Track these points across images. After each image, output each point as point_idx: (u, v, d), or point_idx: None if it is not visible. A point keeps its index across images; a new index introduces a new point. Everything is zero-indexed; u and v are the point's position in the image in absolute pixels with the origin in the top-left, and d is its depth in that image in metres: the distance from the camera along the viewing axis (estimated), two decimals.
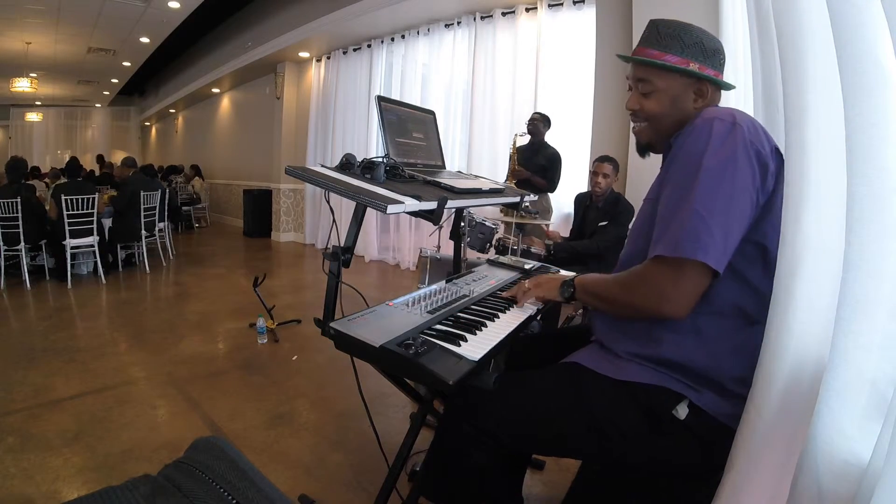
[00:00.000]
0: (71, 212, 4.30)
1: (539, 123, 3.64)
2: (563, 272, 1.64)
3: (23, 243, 4.23)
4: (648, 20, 1.03)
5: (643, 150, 1.09)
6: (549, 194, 3.81)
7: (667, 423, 0.88)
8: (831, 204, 0.69)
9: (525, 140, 3.73)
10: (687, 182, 0.84)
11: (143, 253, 5.19)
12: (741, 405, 0.81)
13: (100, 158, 9.04)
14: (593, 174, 2.93)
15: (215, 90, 9.61)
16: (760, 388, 0.76)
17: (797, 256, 0.72)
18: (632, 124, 1.08)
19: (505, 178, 3.60)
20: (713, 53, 0.97)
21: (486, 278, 1.46)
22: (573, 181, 3.96)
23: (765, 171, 0.85)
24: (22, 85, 8.57)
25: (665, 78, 0.98)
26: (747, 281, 0.87)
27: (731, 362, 0.86)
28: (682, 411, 0.87)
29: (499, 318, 1.11)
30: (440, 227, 2.10)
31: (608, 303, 0.99)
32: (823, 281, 0.70)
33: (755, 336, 0.82)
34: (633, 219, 1.15)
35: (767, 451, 0.74)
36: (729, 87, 1.01)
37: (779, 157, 0.88)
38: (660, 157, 1.05)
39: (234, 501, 0.42)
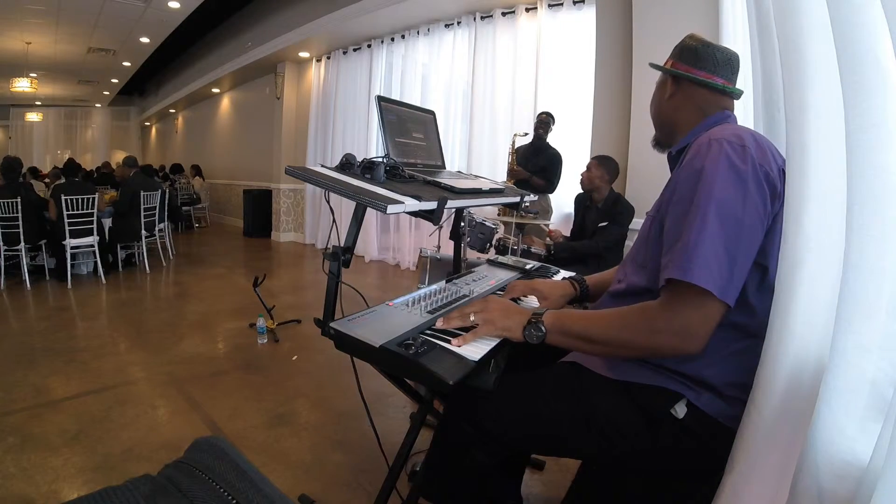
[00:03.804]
0: (71, 212, 4.30)
1: (549, 124, 3.68)
2: (563, 272, 1.64)
3: (23, 243, 4.24)
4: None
5: (655, 145, 1.17)
6: (549, 194, 3.82)
7: (665, 422, 0.88)
8: (832, 204, 0.69)
9: (525, 140, 3.74)
10: (697, 209, 0.81)
11: (143, 253, 5.19)
12: (740, 407, 0.81)
13: (106, 165, 9.03)
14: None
15: (215, 90, 9.61)
16: (761, 388, 0.76)
17: (798, 257, 0.72)
18: None
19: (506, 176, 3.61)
20: (699, 54, 1.02)
21: (486, 278, 1.46)
22: (573, 181, 3.97)
23: (773, 193, 0.83)
24: (22, 85, 8.58)
25: (659, 77, 1.12)
26: (744, 298, 0.84)
27: (724, 368, 0.86)
28: (680, 410, 0.87)
29: None
30: (440, 227, 2.09)
31: (605, 346, 0.87)
32: (824, 281, 0.70)
33: (748, 348, 0.82)
34: (637, 235, 1.10)
35: (768, 452, 0.74)
36: (712, 84, 1.01)
37: (784, 176, 0.85)
38: (658, 159, 1.06)
39: (234, 501, 0.42)
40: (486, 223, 2.77)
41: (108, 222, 4.97)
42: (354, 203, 1.00)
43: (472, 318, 0.94)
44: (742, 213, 0.80)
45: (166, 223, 5.82)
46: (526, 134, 3.67)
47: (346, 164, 1.11)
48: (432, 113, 1.58)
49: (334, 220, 1.24)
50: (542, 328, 0.90)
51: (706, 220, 0.79)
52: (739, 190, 0.81)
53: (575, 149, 3.88)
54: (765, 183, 0.82)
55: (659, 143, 1.14)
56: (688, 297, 0.79)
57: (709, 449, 0.86)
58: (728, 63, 1.02)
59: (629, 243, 2.91)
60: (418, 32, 5.34)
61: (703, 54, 1.02)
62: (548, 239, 3.05)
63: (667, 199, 0.91)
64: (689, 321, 0.79)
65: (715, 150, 0.84)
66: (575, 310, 0.96)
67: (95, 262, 4.67)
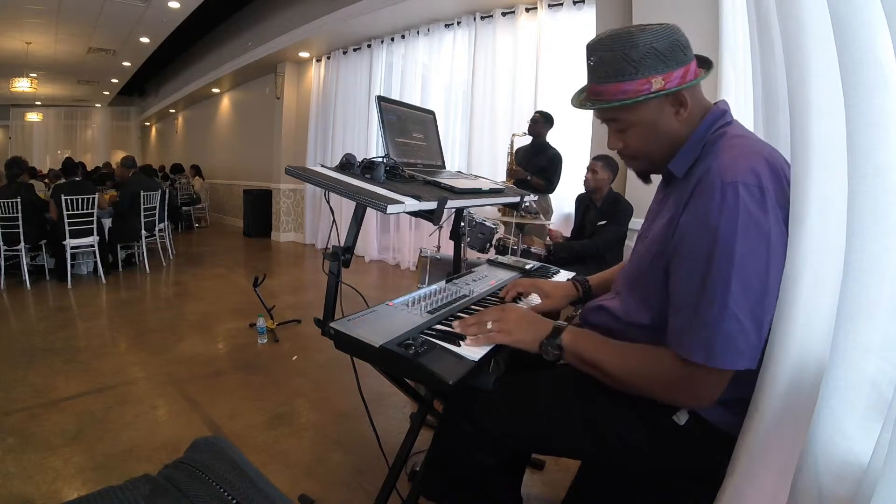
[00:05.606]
0: (71, 212, 4.30)
1: (539, 124, 3.65)
2: (563, 272, 1.64)
3: (23, 243, 4.24)
4: (585, 45, 0.88)
5: (644, 178, 1.00)
6: (549, 195, 3.82)
7: (666, 427, 0.87)
8: (834, 204, 0.69)
9: (525, 140, 3.74)
10: (717, 277, 0.74)
11: (143, 253, 5.19)
12: (741, 414, 0.80)
13: (107, 165, 9.01)
14: (586, 170, 2.97)
15: (215, 90, 9.61)
16: (762, 389, 0.76)
17: (801, 258, 0.72)
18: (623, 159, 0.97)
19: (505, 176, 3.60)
20: (671, 51, 0.82)
21: (486, 278, 1.46)
22: (574, 181, 3.96)
23: None
24: (22, 85, 8.58)
25: (633, 110, 0.86)
26: None
27: (727, 386, 0.83)
28: (682, 417, 0.87)
29: None
30: (440, 227, 2.10)
31: (616, 382, 0.86)
32: (825, 281, 0.70)
33: (746, 371, 0.80)
34: (629, 258, 1.04)
35: (769, 452, 0.74)
36: (704, 75, 0.89)
37: None
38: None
39: (234, 501, 0.42)
40: (486, 223, 2.77)
41: (108, 222, 4.97)
42: (354, 203, 1.00)
43: (489, 325, 0.94)
44: (767, 271, 0.74)
45: (166, 223, 5.82)
46: (525, 134, 3.66)
47: (346, 164, 1.11)
48: (432, 113, 1.58)
49: (334, 220, 1.24)
50: (560, 347, 0.90)
51: (728, 289, 0.73)
52: (762, 245, 0.74)
53: (575, 149, 3.88)
54: (784, 224, 0.76)
55: (649, 171, 0.98)
56: (709, 370, 0.77)
57: (710, 453, 0.86)
58: (687, 42, 0.85)
59: (629, 243, 2.91)
60: (418, 32, 5.34)
61: (672, 47, 0.82)
62: (548, 239, 3.05)
63: (673, 246, 0.82)
64: (705, 385, 0.78)
65: (731, 202, 0.74)
66: (593, 333, 0.92)
67: (95, 262, 4.67)
